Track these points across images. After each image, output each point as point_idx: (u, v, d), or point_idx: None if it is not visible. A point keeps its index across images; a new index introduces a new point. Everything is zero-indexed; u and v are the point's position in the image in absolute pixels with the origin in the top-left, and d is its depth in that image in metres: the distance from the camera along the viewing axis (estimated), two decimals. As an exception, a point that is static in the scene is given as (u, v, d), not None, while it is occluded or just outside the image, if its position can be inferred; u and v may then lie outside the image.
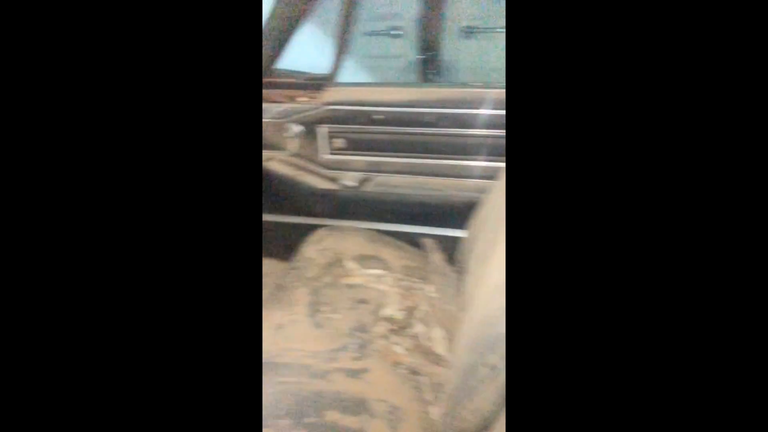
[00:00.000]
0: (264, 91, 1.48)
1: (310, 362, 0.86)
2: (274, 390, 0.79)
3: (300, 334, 0.94)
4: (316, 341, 0.92)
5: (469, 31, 2.01)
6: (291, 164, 1.46)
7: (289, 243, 1.61)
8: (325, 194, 1.42)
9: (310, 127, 1.42)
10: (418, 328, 1.00)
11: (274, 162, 1.45)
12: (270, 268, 1.60)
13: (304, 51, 1.53)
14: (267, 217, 1.58)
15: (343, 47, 1.39)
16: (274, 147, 1.47)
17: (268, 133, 1.46)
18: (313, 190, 1.42)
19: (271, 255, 1.66)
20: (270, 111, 1.43)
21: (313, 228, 1.49)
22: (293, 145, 1.45)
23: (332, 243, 1.29)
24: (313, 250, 1.25)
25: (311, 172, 1.45)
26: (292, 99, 1.45)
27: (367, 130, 1.36)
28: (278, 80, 1.50)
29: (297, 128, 1.44)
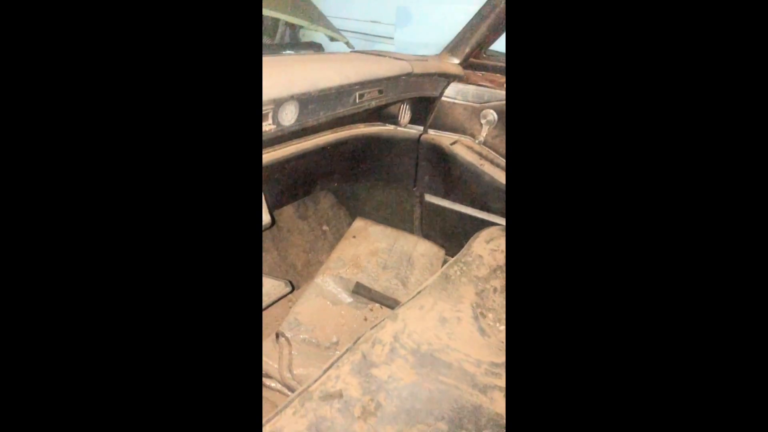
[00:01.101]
0: (466, 72, 1.41)
1: (473, 370, 0.78)
2: (433, 387, 0.74)
3: (464, 335, 0.87)
4: (480, 349, 0.84)
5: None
6: (476, 152, 1.38)
7: (451, 231, 1.55)
8: (506, 191, 1.30)
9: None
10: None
11: (458, 146, 1.38)
12: (424, 249, 1.56)
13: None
14: (431, 199, 1.54)
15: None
16: (463, 131, 1.40)
17: (458, 115, 1.39)
18: (495, 183, 1.31)
19: (428, 237, 1.63)
20: (467, 93, 1.36)
21: (483, 223, 1.40)
22: (484, 133, 1.36)
23: (505, 246, 1.17)
24: (483, 248, 1.16)
25: (497, 165, 1.34)
26: (496, 84, 1.35)
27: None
28: (484, 62, 1.41)
29: (492, 115, 1.34)
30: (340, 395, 0.70)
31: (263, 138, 0.88)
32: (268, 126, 0.87)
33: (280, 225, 1.54)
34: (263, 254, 1.41)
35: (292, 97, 0.88)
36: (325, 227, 1.68)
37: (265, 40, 1.48)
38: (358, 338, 0.82)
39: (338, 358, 0.77)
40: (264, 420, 0.66)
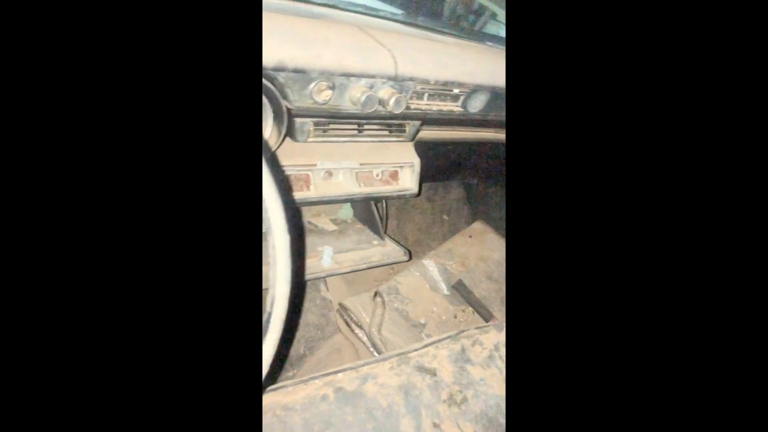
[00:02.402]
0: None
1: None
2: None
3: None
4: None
5: None
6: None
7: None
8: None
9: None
10: None
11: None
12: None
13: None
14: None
15: None
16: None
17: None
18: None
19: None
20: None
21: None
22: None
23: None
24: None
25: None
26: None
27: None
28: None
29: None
30: (434, 373, 0.73)
31: (447, 117, 0.91)
32: (456, 107, 0.91)
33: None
34: (387, 219, 1.49)
35: (492, 89, 0.90)
36: (445, 216, 1.70)
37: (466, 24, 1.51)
38: (462, 331, 0.84)
39: (440, 339, 0.80)
40: (362, 362, 0.72)
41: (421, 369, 0.73)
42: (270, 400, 0.60)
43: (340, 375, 0.68)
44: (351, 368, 0.70)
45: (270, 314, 0.43)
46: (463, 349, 0.79)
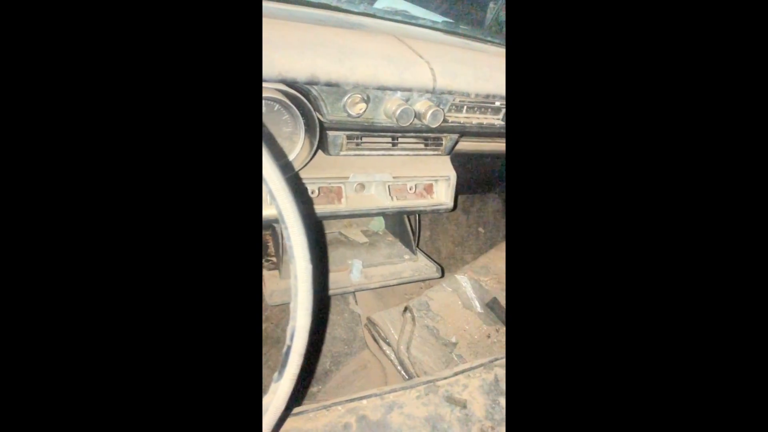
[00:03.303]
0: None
1: None
2: None
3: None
4: None
5: None
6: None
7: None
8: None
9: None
10: None
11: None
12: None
13: None
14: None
15: None
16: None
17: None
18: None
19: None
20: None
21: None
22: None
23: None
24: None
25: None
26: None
27: None
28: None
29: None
30: (464, 405, 0.68)
31: (488, 130, 0.87)
32: (497, 120, 0.86)
33: (443, 210, 1.56)
34: (420, 231, 1.45)
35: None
36: (481, 229, 1.64)
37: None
38: (496, 359, 0.79)
39: (471, 368, 0.75)
40: (388, 388, 0.69)
41: (451, 400, 0.68)
42: (290, 426, 0.58)
43: (364, 402, 0.65)
44: (376, 395, 0.67)
45: (289, 348, 0.40)
46: (496, 380, 0.74)
